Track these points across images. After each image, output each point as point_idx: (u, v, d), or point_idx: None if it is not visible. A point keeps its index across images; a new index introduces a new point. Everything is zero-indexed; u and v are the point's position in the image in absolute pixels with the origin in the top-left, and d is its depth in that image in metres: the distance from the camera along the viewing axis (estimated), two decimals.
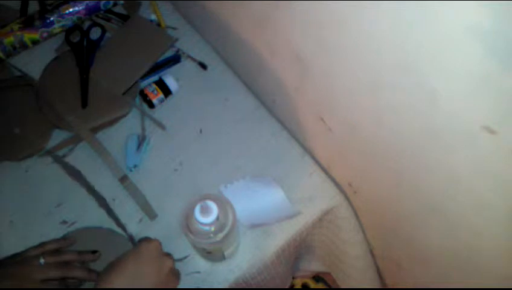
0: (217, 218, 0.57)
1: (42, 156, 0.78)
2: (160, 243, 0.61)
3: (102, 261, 0.65)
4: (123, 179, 0.75)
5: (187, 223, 0.59)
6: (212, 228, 0.58)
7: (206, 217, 0.56)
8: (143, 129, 0.80)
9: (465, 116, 0.42)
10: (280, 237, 0.71)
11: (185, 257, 0.70)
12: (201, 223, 0.56)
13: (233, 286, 0.69)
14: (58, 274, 0.61)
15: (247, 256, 0.70)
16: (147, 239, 0.61)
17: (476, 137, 0.42)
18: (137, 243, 0.60)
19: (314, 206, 0.73)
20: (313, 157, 0.78)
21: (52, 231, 0.71)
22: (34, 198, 0.75)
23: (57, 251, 0.65)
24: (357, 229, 0.79)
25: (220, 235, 0.58)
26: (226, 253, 0.65)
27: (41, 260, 0.61)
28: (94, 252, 0.67)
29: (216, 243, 0.59)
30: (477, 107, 0.40)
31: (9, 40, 0.81)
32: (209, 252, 0.64)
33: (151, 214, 0.72)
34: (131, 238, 0.71)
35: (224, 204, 0.60)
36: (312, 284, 1.15)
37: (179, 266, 0.67)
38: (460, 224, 0.54)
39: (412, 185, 0.59)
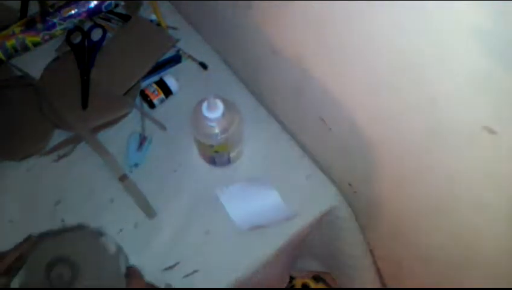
0: (223, 115, 0.61)
1: (42, 156, 0.78)
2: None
3: (88, 264, 0.59)
4: (123, 178, 0.75)
5: (196, 121, 0.63)
6: (218, 127, 0.63)
7: (213, 112, 0.61)
8: (143, 129, 0.80)
9: (465, 116, 0.42)
10: (278, 238, 0.71)
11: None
12: (208, 119, 0.61)
13: (232, 286, 0.69)
14: None
15: (245, 257, 0.70)
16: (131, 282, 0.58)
17: (476, 137, 0.42)
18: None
19: (314, 207, 0.73)
20: (313, 158, 0.78)
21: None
22: (34, 198, 0.75)
23: None
24: (356, 229, 0.78)
25: (226, 134, 0.63)
26: (231, 155, 0.69)
27: None
28: None
29: (223, 140, 0.64)
30: (477, 107, 0.40)
31: (11, 42, 0.81)
32: (216, 151, 0.67)
33: (150, 213, 0.72)
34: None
35: (230, 104, 0.64)
36: (312, 284, 1.15)
37: (177, 268, 0.67)
38: (461, 224, 0.54)
39: (412, 185, 0.59)
